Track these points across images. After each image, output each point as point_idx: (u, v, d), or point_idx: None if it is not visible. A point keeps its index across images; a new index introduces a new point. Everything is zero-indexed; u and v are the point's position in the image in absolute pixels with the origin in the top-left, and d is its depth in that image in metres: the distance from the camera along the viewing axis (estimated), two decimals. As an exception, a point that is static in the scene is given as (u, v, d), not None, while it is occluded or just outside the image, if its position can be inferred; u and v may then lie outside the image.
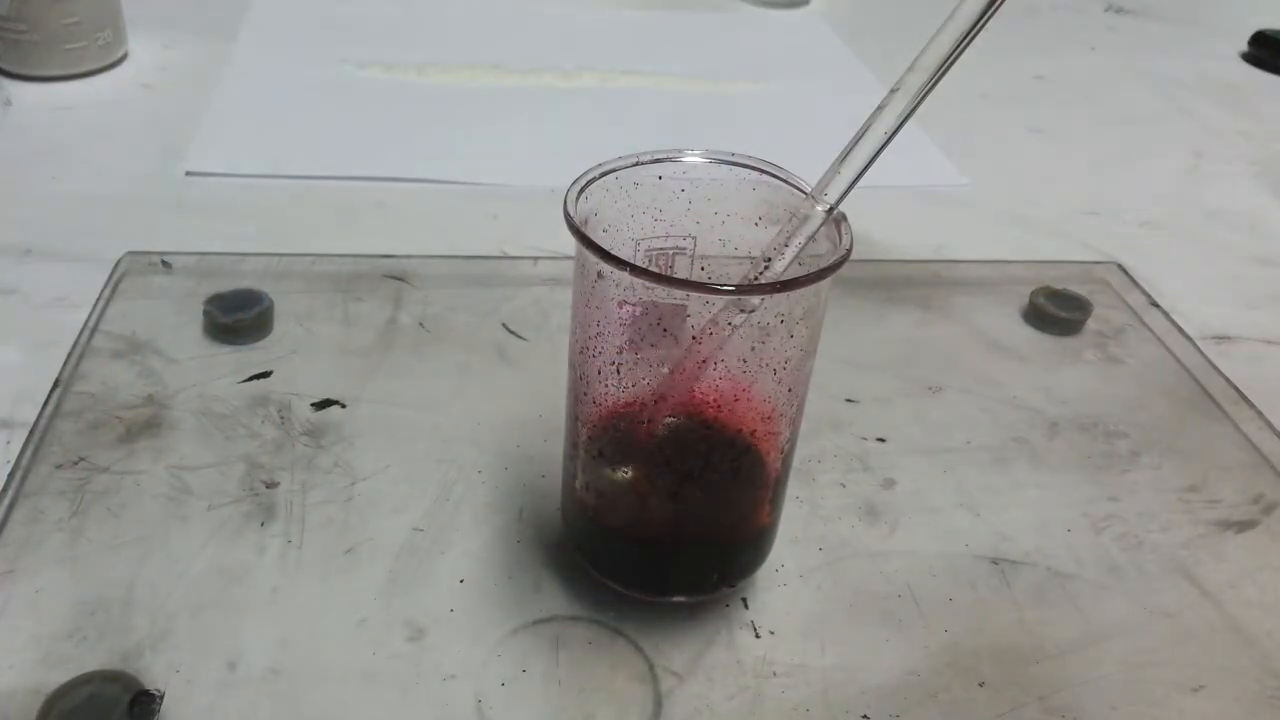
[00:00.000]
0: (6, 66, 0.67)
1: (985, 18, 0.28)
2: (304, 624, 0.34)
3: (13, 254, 0.51)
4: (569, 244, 0.29)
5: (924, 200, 0.64)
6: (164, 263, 0.49)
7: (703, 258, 0.33)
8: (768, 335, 0.30)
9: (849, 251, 0.29)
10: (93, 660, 0.32)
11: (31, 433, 0.39)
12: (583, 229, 0.29)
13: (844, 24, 0.88)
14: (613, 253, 0.28)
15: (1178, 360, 0.50)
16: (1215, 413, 0.47)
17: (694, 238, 0.33)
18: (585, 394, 0.32)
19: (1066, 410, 0.46)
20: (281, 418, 0.41)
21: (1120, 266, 0.56)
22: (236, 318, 0.45)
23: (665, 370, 0.31)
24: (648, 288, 0.29)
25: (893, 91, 0.29)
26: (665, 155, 0.32)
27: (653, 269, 0.32)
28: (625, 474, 0.33)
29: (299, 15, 0.81)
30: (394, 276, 0.50)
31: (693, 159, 0.32)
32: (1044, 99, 0.79)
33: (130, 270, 0.49)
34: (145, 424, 0.41)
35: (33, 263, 0.50)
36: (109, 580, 0.35)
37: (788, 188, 0.32)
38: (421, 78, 0.73)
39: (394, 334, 0.47)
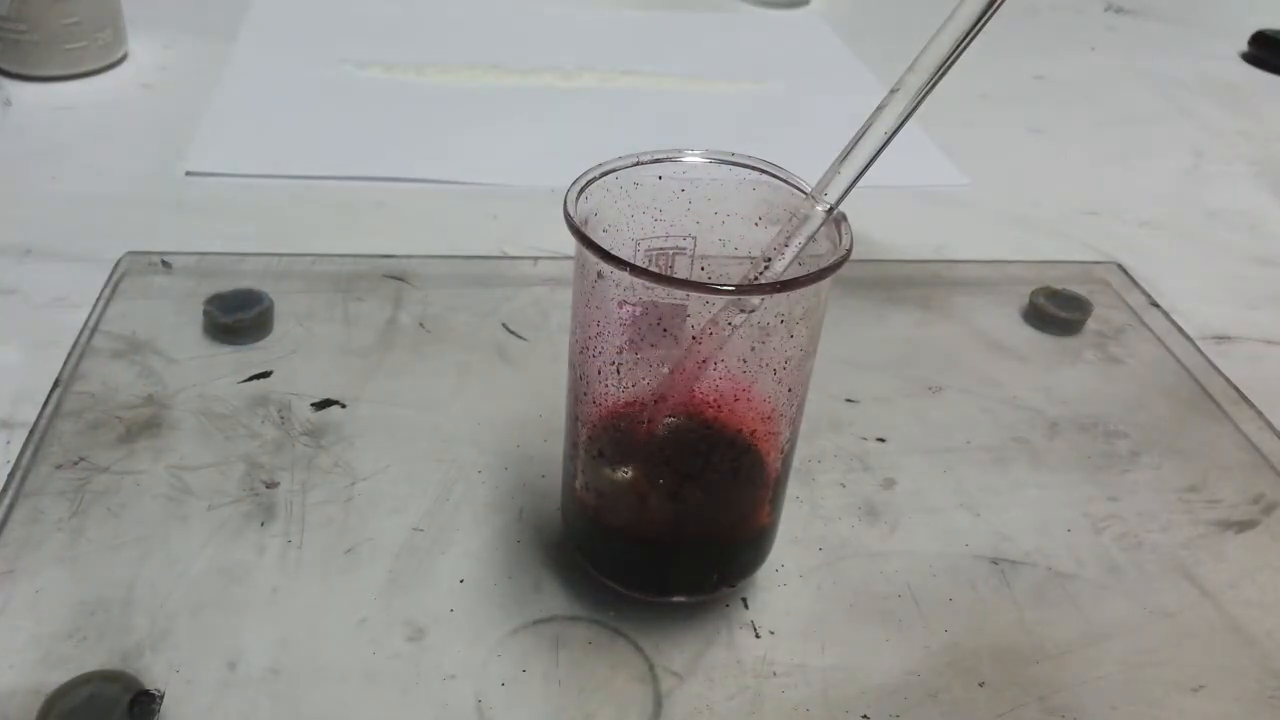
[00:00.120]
0: (6, 66, 0.67)
1: (985, 18, 0.28)
2: (304, 624, 0.34)
3: (13, 254, 0.51)
4: (569, 244, 0.29)
5: (924, 200, 0.64)
6: (164, 263, 0.49)
7: (703, 258, 0.33)
8: (768, 335, 0.30)
9: (849, 251, 0.29)
10: (93, 660, 0.32)
11: (31, 433, 0.40)
12: (583, 229, 0.29)
13: (844, 24, 0.88)
14: (613, 253, 0.28)
15: (1178, 360, 0.50)
16: (1215, 413, 0.47)
17: (694, 238, 0.33)
18: (585, 394, 0.32)
19: (1066, 410, 0.46)
20: (281, 418, 0.41)
21: (1120, 266, 0.56)
22: (236, 318, 0.45)
23: (665, 370, 0.31)
24: (648, 288, 0.29)
25: (893, 91, 0.29)
26: (665, 155, 0.32)
27: (653, 269, 0.32)
28: (625, 474, 0.33)
29: (299, 15, 0.81)
30: (394, 276, 0.50)
31: (693, 159, 0.32)
32: (1044, 99, 0.79)
33: (130, 270, 0.49)
34: (145, 424, 0.41)
35: (33, 263, 0.50)
36: (109, 580, 0.35)
37: (788, 188, 0.32)
38: (421, 78, 0.73)
39: (394, 334, 0.47)
